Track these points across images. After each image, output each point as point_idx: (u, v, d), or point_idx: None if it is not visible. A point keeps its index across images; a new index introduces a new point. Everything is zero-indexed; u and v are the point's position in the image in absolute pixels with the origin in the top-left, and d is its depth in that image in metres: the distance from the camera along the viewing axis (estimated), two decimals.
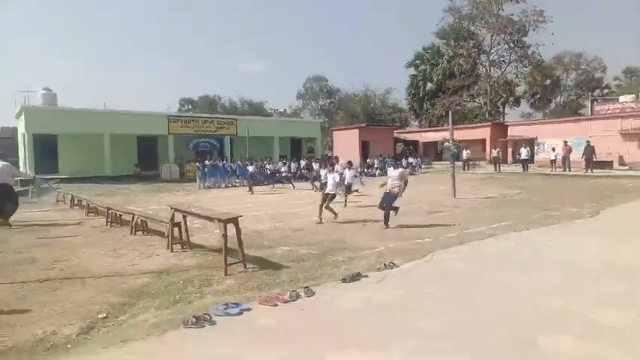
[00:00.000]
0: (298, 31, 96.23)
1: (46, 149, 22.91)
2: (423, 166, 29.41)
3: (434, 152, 37.19)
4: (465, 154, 27.15)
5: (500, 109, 44.41)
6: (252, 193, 16.45)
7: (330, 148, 39.68)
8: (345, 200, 11.73)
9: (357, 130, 32.46)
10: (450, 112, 14.46)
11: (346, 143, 32.62)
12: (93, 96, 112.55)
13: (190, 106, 55.37)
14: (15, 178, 10.24)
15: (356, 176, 12.79)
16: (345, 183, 11.62)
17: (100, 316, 4.04)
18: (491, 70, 41.50)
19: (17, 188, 10.71)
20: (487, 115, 40.33)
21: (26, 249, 6.90)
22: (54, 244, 7.24)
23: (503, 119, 40.81)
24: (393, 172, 8.74)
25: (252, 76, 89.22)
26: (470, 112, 43.37)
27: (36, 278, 5.28)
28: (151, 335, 3.55)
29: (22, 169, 23.00)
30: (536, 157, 28.02)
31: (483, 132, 32.87)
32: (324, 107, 57.50)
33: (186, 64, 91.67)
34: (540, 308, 4.03)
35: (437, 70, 43.14)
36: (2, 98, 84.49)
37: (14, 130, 29.26)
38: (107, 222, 9.25)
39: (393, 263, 5.59)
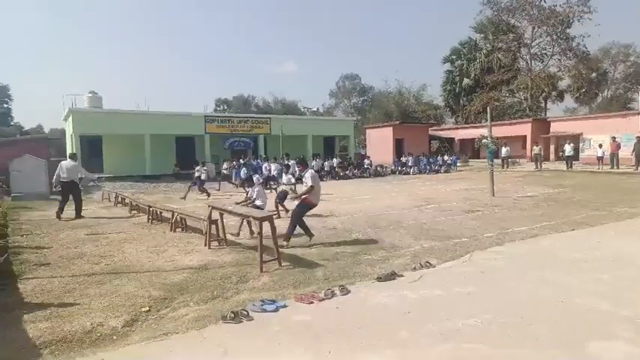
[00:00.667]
0: (331, 29, 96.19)
1: (92, 149, 24.09)
2: (458, 164, 28.71)
3: (471, 149, 36.17)
4: (504, 151, 26.23)
5: (542, 105, 42.55)
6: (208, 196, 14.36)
7: (364, 147, 39.45)
8: (278, 211, 9.54)
9: (390, 128, 32.09)
10: (488, 108, 14.03)
11: (380, 141, 32.34)
12: (135, 98, 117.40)
13: (226, 107, 56.61)
14: (80, 176, 11.30)
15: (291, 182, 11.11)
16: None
17: (143, 309, 4.20)
18: (533, 63, 39.86)
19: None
20: (528, 111, 38.77)
21: (75, 244, 7.27)
22: (100, 240, 7.60)
23: (546, 115, 39.09)
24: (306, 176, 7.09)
25: (286, 76, 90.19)
26: (509, 108, 41.83)
27: (84, 272, 5.56)
28: (191, 329, 3.65)
29: None
30: (581, 154, 26.67)
31: (524, 128, 31.61)
32: (357, 105, 57.26)
33: (222, 65, 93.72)
34: (588, 311, 3.84)
35: (474, 65, 41.84)
36: (52, 101, 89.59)
37: (63, 131, 30.95)
38: (148, 219, 9.62)
39: (430, 263, 5.48)
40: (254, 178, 9.37)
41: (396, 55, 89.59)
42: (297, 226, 6.89)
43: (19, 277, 5.29)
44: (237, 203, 7.99)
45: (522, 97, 41.19)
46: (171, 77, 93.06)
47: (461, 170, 26.84)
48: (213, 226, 7.01)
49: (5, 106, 49.17)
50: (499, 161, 25.01)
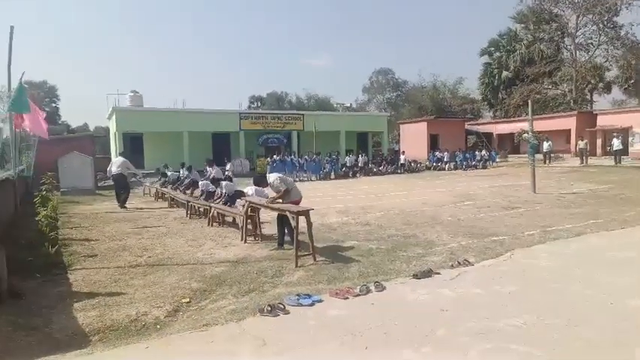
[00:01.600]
0: (364, 24, 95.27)
1: (133, 146, 25.08)
2: (497, 159, 27.77)
3: (510, 144, 34.90)
4: (545, 145, 25.11)
5: (588, 97, 40.37)
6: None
7: (397, 142, 38.92)
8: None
9: (425, 123, 31.49)
10: (529, 101, 13.50)
11: (414, 136, 31.81)
12: (173, 96, 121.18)
13: (259, 103, 57.35)
14: (128, 172, 12.40)
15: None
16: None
17: (183, 300, 4.35)
18: (577, 54, 37.81)
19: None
20: (572, 104, 36.86)
21: (120, 237, 7.62)
22: (143, 233, 7.92)
23: (591, 107, 37.06)
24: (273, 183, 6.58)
25: (318, 72, 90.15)
26: (552, 101, 39.91)
27: (129, 264, 5.81)
28: (230, 321, 3.74)
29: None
30: (630, 149, 25.15)
31: (568, 122, 30.13)
32: (390, 100, 56.48)
33: (256, 62, 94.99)
34: (638, 315, 3.62)
35: (514, 56, 40.19)
36: (96, 100, 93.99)
37: (107, 129, 32.40)
38: (187, 214, 9.93)
39: (468, 261, 5.35)
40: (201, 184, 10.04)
41: (431, 49, 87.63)
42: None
43: (69, 268, 5.60)
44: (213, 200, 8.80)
45: (566, 90, 39.21)
46: (207, 75, 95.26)
47: (500, 166, 25.97)
48: (249, 221, 7.16)
49: (54, 105, 52.01)
50: (541, 156, 23.97)
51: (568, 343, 3.16)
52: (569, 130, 29.73)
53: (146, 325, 3.78)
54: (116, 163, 12.03)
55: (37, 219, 7.29)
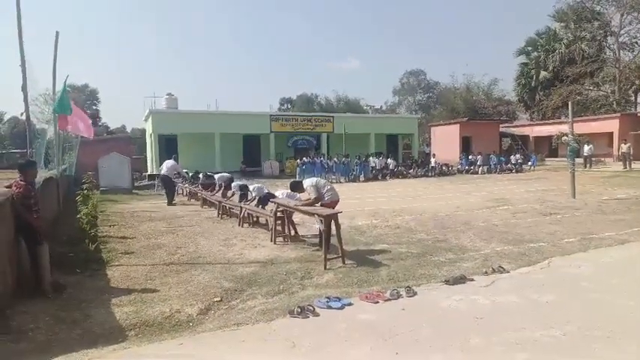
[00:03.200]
0: (395, 24, 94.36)
1: (168, 147, 25.84)
2: (537, 163, 26.78)
3: (548, 147, 33.58)
4: (586, 149, 24.00)
5: (632, 98, 38.34)
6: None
7: (428, 145, 38.27)
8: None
9: (457, 125, 30.80)
10: (569, 103, 12.97)
11: (445, 139, 31.16)
12: (206, 98, 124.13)
13: (289, 105, 57.83)
14: (174, 173, 13.56)
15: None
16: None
17: (215, 299, 4.43)
18: (621, 53, 36.03)
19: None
20: (615, 105, 35.12)
21: (155, 235, 7.85)
22: (176, 232, 8.14)
23: (636, 109, 35.19)
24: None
25: (348, 74, 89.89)
26: (593, 102, 38.14)
27: (163, 261, 5.98)
28: (260, 321, 3.78)
29: (149, 166, 26.32)
30: None
31: (610, 124, 28.69)
32: (421, 102, 55.68)
33: (286, 64, 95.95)
34: None
35: (553, 56, 38.70)
36: (134, 103, 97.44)
37: (143, 131, 33.57)
38: (218, 214, 10.12)
39: (503, 267, 5.18)
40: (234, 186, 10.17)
41: (464, 49, 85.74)
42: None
43: (108, 264, 5.82)
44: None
45: (609, 91, 37.39)
46: (239, 77, 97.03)
47: (536, 170, 25.07)
48: (279, 222, 7.21)
49: (94, 108, 54.39)
50: (581, 160, 22.94)
51: (610, 357, 3.00)
52: (612, 132, 28.30)
53: (179, 322, 3.87)
54: (166, 165, 13.20)
55: (78, 216, 7.61)
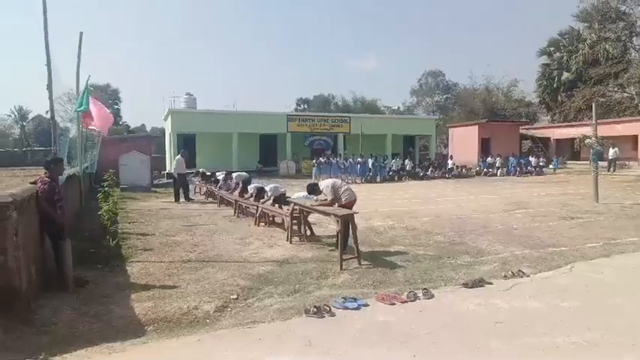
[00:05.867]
0: (413, 25, 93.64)
1: (187, 146, 26.17)
2: (558, 166, 26.19)
3: (570, 150, 32.80)
4: (611, 152, 23.30)
5: None
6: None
7: (445, 146, 37.82)
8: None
9: (476, 127, 30.37)
10: (593, 105, 12.64)
11: (463, 140, 30.77)
12: (225, 98, 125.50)
13: (306, 106, 57.93)
14: (174, 169, 13.72)
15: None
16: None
17: (232, 297, 4.46)
18: None
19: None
20: None
21: (173, 233, 7.96)
22: (194, 230, 8.23)
23: None
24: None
25: (366, 74, 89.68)
26: (618, 105, 37.08)
27: (181, 259, 6.06)
28: (276, 320, 3.79)
29: (167, 164, 26.73)
30: None
31: (635, 127, 27.85)
32: (439, 103, 55.05)
33: (302, 64, 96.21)
34: None
35: (576, 57, 37.78)
36: (153, 102, 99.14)
37: (162, 130, 34.13)
38: (235, 213, 10.20)
39: (523, 272, 5.08)
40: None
41: (484, 50, 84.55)
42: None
43: (127, 260, 5.92)
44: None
45: (634, 93, 36.29)
46: (256, 77, 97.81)
47: (557, 173, 24.52)
48: (295, 222, 7.22)
49: (116, 107, 55.55)
50: (604, 164, 22.33)
51: None
52: (637, 135, 27.48)
53: (196, 319, 3.91)
54: (174, 162, 13.60)
55: (99, 213, 7.77)
